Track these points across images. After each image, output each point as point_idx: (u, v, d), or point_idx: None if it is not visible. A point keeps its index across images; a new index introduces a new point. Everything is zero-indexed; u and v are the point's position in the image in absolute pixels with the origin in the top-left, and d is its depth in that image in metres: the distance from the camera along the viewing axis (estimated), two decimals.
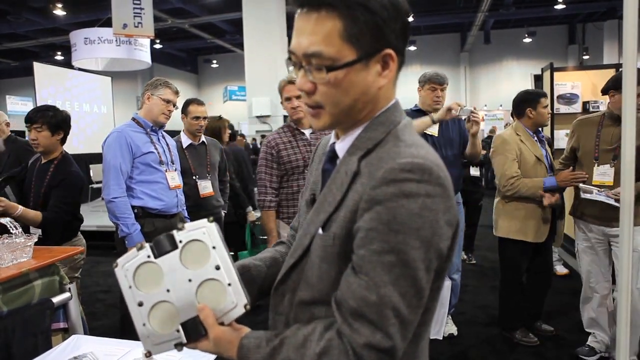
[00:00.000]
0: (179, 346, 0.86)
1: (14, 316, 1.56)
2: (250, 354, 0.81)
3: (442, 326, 3.26)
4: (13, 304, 1.64)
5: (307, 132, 2.86)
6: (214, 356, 1.44)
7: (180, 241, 0.88)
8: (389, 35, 0.80)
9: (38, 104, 6.85)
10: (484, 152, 6.20)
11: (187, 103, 3.47)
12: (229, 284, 0.86)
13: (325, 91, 0.82)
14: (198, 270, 0.87)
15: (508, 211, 3.10)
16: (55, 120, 2.70)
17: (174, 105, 2.90)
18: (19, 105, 13.92)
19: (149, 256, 0.88)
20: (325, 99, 0.82)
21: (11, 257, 1.72)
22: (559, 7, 13.91)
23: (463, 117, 2.96)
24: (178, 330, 0.86)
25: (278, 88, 2.81)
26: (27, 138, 3.85)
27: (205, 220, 0.88)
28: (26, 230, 2.30)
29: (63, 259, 2.04)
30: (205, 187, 3.41)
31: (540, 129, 3.18)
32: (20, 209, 2.50)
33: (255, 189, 4.02)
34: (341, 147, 0.89)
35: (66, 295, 1.80)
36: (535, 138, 3.11)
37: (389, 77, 0.83)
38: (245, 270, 1.01)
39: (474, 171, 5.21)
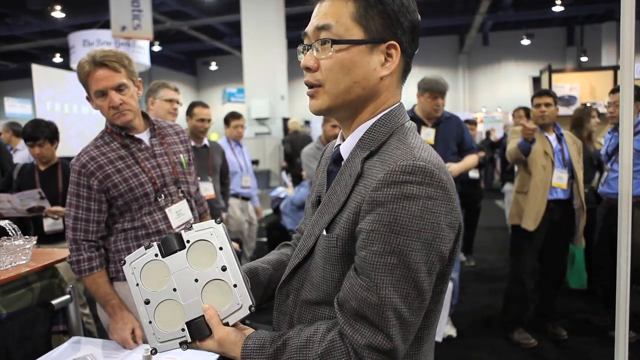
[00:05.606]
0: (183, 345, 0.87)
1: (14, 319, 1.55)
2: (254, 356, 0.82)
3: (442, 328, 3.27)
4: (12, 306, 1.63)
5: (145, 137, 1.83)
6: (217, 356, 1.45)
7: (188, 241, 0.89)
8: (396, 27, 0.83)
9: (37, 107, 6.87)
10: (482, 153, 6.22)
11: (192, 105, 3.47)
12: (235, 285, 0.87)
13: (328, 67, 0.84)
14: (204, 271, 0.88)
15: (516, 200, 3.23)
16: (50, 132, 3.02)
17: (178, 102, 2.96)
18: (17, 108, 13.91)
19: (156, 255, 0.89)
20: (326, 75, 0.84)
21: (10, 259, 1.72)
22: (557, 9, 13.93)
23: None
24: (183, 329, 0.87)
25: (80, 76, 1.78)
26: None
27: (212, 221, 0.89)
28: (25, 232, 2.33)
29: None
30: (206, 189, 3.41)
31: (555, 126, 3.21)
32: None
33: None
34: (345, 149, 0.90)
35: (66, 297, 1.79)
36: (546, 135, 3.14)
37: (391, 69, 0.85)
38: (253, 272, 1.01)
39: (473, 173, 5.23)
